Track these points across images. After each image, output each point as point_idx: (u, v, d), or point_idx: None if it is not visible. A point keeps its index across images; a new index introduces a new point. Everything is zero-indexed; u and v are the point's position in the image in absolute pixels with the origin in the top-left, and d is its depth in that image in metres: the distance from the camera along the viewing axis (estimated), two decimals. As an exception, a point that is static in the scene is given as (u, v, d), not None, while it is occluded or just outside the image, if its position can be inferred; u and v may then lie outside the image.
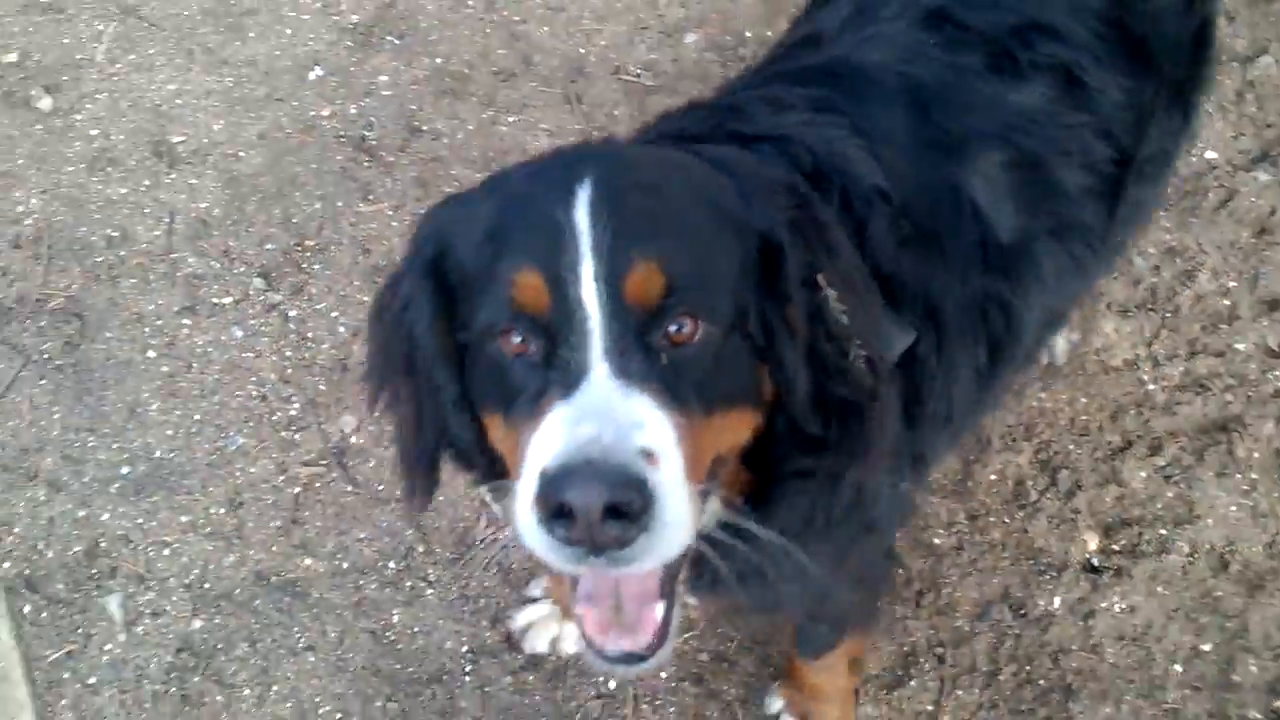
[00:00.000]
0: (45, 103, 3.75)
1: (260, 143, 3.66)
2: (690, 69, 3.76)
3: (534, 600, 2.86)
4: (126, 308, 3.36)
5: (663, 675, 2.77)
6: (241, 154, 3.63)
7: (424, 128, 3.66)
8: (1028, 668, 2.73)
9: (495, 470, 1.60)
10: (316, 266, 3.42)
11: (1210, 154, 3.42)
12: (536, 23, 3.86)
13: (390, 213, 3.50)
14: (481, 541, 2.94)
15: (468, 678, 2.81)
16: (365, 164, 3.60)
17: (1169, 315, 3.19)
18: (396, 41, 3.86)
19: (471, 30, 3.86)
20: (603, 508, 1.24)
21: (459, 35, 3.86)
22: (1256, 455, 2.98)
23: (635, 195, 1.45)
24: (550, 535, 1.30)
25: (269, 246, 3.45)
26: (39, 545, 3.01)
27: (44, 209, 3.54)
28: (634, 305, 1.37)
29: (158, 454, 3.14)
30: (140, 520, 3.04)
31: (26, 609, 2.92)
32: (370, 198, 3.54)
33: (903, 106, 1.94)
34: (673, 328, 1.39)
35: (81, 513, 3.06)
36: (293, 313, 3.34)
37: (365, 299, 3.33)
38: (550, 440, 1.30)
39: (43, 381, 3.25)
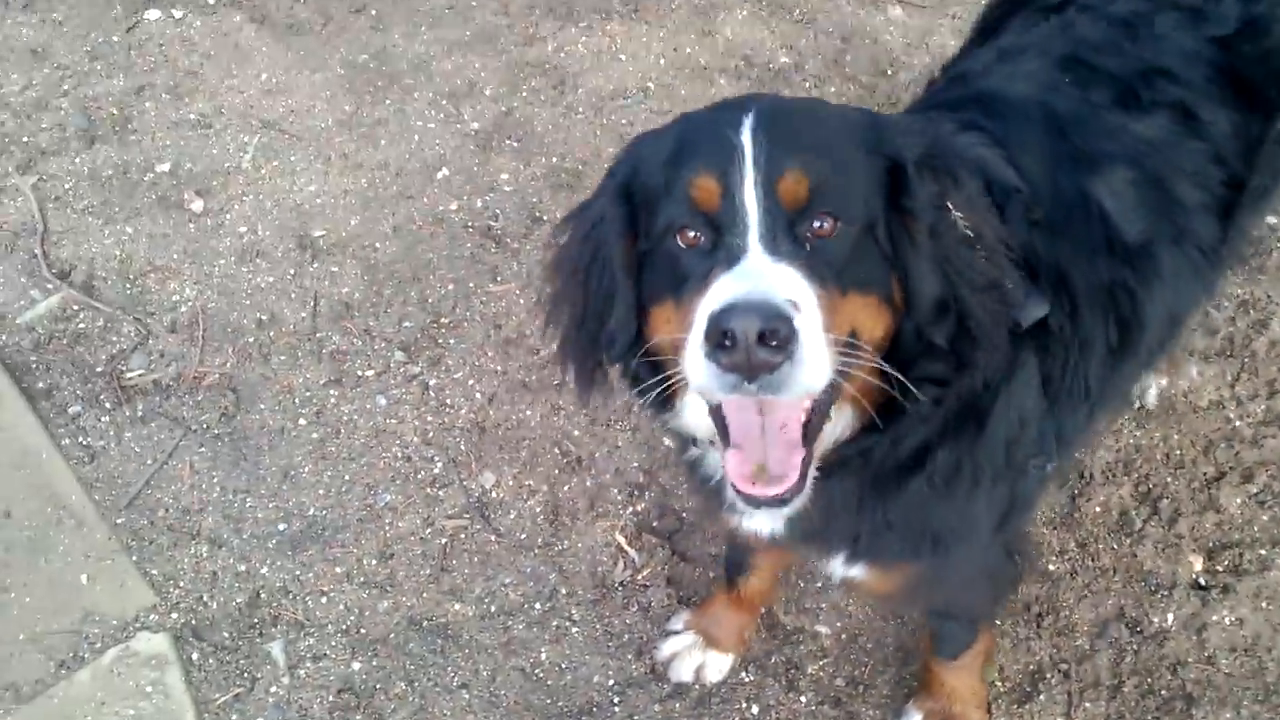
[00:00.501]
0: (197, 205, 4.12)
1: (394, 234, 3.99)
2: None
3: (676, 632, 3.03)
4: (277, 382, 3.64)
5: (802, 699, 2.93)
6: (378, 245, 3.97)
7: (544, 217, 3.99)
8: (1149, 680, 2.88)
9: (640, 377, 1.88)
10: (452, 341, 3.70)
11: (1271, 219, 3.73)
12: (642, 125, 4.21)
13: (518, 292, 3.80)
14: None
15: (616, 708, 2.96)
16: (492, 250, 3.92)
17: (1247, 359, 3.43)
18: (515, 144, 4.23)
19: (583, 133, 4.24)
20: (758, 332, 1.49)
21: (571, 137, 4.23)
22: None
23: (788, 122, 1.76)
24: (714, 363, 1.55)
25: (407, 324, 3.75)
26: (203, 597, 3.22)
27: (198, 297, 3.86)
28: (784, 204, 1.67)
29: (311, 512, 3.37)
30: (297, 573, 3.25)
31: (195, 656, 3.11)
32: (499, 279, 3.85)
33: (1041, 128, 2.23)
34: (815, 224, 1.68)
35: (242, 567, 3.28)
36: (432, 382, 3.61)
37: (498, 368, 3.62)
38: (717, 294, 1.58)
39: (201, 449, 3.50)
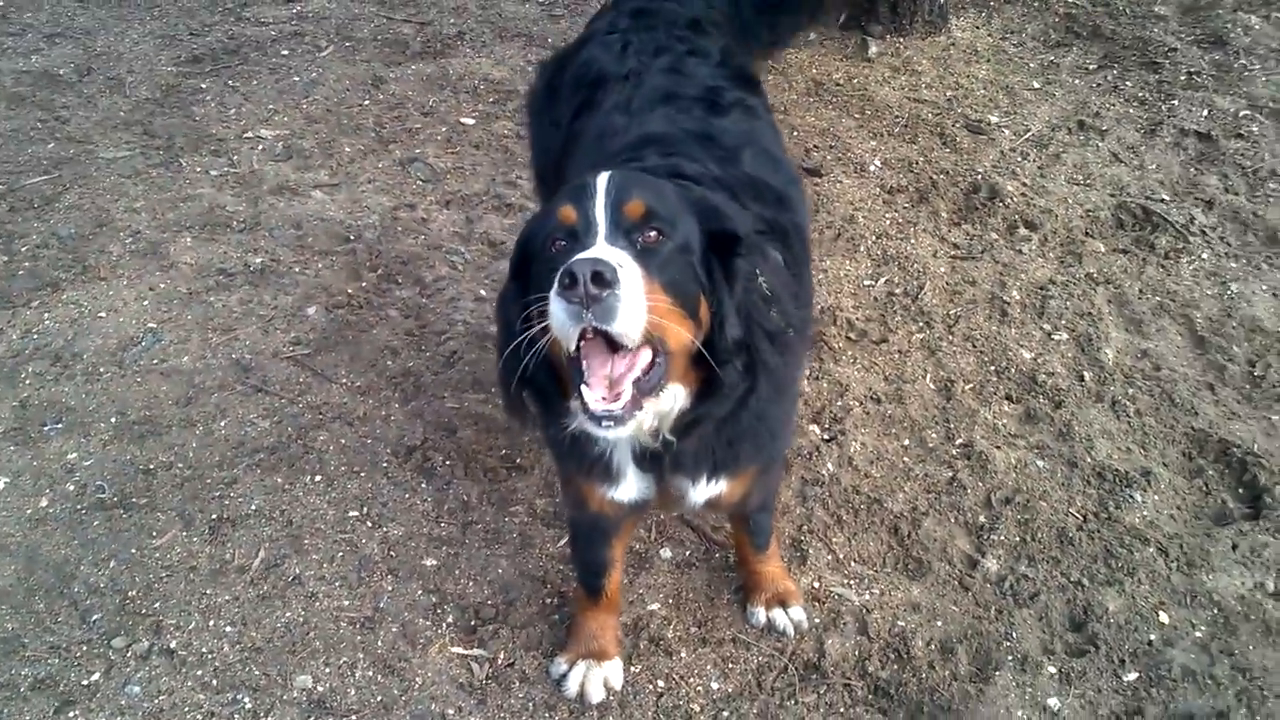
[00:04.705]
0: None
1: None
2: (327, 327, 4.47)
3: (566, 671, 3.32)
4: (-6, 741, 3.12)
5: (681, 655, 3.41)
6: (-15, 578, 3.51)
7: (151, 465, 3.86)
8: (845, 502, 3.92)
9: (538, 383, 2.51)
10: (158, 604, 3.46)
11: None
12: (173, 360, 4.25)
13: (183, 531, 3.68)
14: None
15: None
16: (122, 515, 3.70)
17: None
18: (59, 426, 3.97)
19: (121, 386, 4.12)
20: (590, 272, 2.06)
21: (115, 394, 4.10)
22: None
23: (636, 177, 2.48)
24: (563, 300, 2.10)
25: (95, 617, 3.40)
26: None
27: None
28: (626, 218, 2.31)
29: (158, 809, 3.02)
30: None
31: None
32: (155, 532, 3.66)
33: (694, 142, 3.13)
34: (647, 233, 2.31)
35: None
36: (173, 644, 3.35)
37: (226, 597, 3.50)
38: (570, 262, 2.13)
39: None
